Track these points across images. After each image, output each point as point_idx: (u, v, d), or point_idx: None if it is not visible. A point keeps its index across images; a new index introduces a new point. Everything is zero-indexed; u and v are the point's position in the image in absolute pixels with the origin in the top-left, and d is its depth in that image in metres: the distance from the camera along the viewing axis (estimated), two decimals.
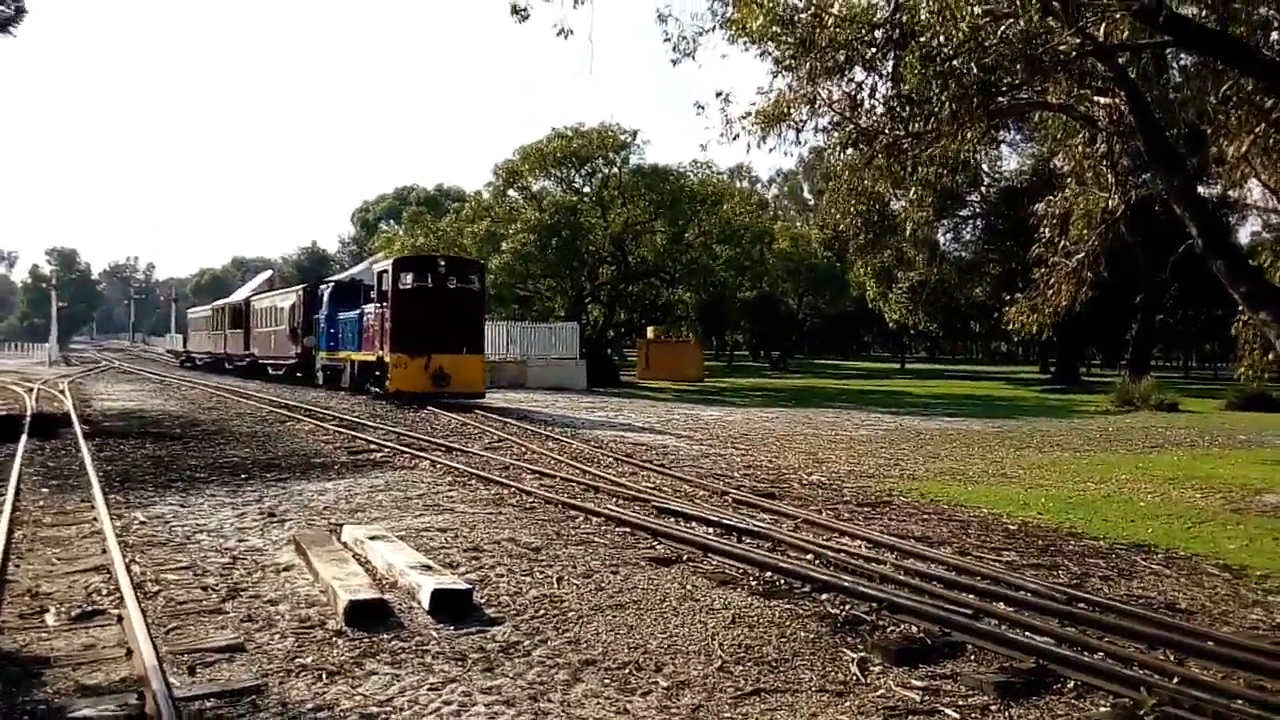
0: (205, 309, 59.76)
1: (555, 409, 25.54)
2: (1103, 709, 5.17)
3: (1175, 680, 5.32)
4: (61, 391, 29.68)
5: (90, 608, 6.69)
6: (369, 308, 27.05)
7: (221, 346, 48.97)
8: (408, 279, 25.91)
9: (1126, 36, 12.00)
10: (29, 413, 21.27)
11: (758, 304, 64.26)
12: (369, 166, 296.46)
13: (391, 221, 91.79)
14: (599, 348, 45.54)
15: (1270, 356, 13.93)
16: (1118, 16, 11.42)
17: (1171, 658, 5.84)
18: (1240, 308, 13.00)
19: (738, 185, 66.75)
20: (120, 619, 6.35)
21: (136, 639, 5.72)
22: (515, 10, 13.47)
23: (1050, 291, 14.91)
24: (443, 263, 27.36)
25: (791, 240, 62.57)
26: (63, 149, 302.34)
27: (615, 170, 44.03)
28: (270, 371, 39.31)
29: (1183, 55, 13.80)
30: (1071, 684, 5.46)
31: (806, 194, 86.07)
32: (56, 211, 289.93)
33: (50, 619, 6.47)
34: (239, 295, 56.05)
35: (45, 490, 11.54)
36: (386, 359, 25.22)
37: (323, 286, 34.54)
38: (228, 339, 47.46)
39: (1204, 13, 11.46)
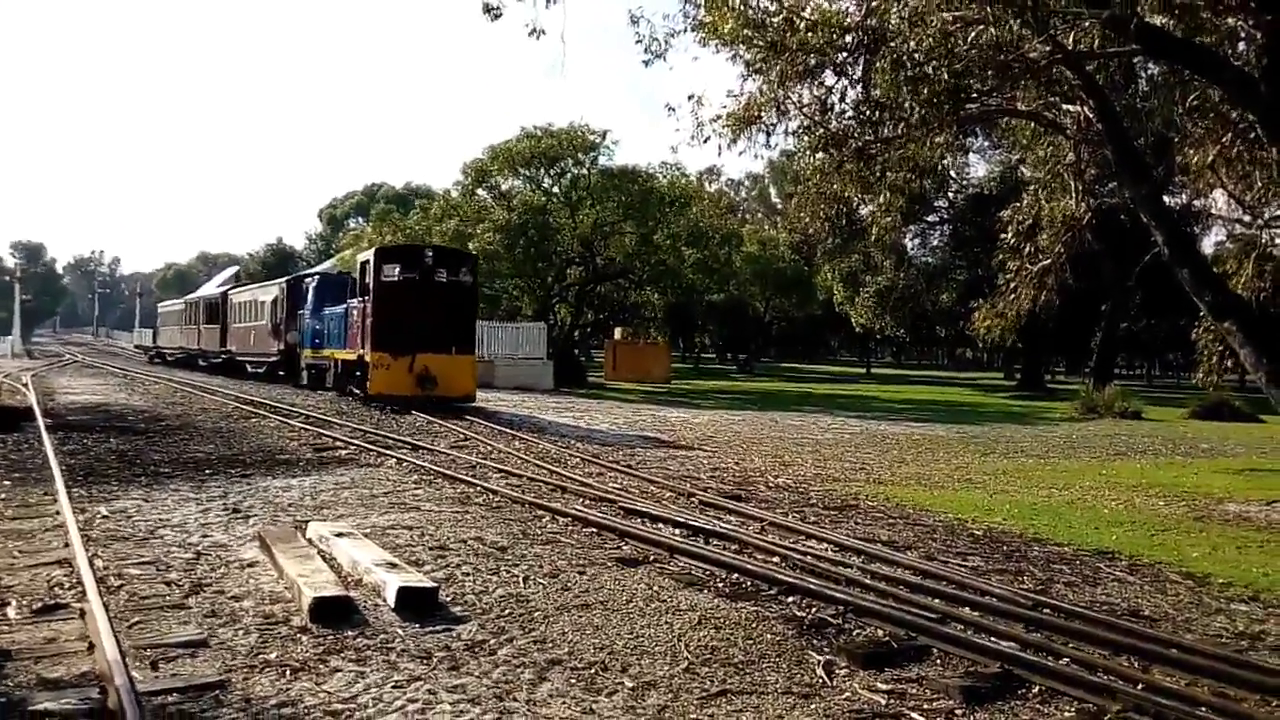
0: (177, 303, 57.89)
1: (522, 409, 25.38)
2: (1068, 714, 5.21)
3: (1140, 687, 5.35)
4: (24, 385, 29.20)
5: (52, 601, 6.60)
6: (354, 302, 25.01)
7: (195, 342, 47.24)
8: (392, 271, 23.55)
9: (1096, 45, 12.15)
10: None
11: (725, 307, 64.40)
12: (337, 163, 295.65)
13: (359, 219, 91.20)
14: (567, 348, 45.45)
15: (1230, 364, 14.16)
16: (1087, 25, 11.55)
17: (1136, 664, 5.88)
18: (1202, 315, 13.20)
19: (707, 188, 66.80)
20: (83, 613, 6.26)
21: (99, 633, 5.65)
22: (488, 9, 13.47)
23: (1012, 296, 15.08)
24: (430, 253, 24.87)
25: (760, 244, 62.73)
26: (29, 142, 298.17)
27: (584, 171, 43.91)
28: (249, 370, 37.53)
29: (1150, 65, 14.00)
30: (1037, 689, 5.50)
31: (774, 198, 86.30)
32: (22, 204, 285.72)
33: (11, 612, 6.37)
34: (205, 290, 55.26)
35: (8, 483, 11.37)
36: (367, 358, 23.28)
37: (307, 280, 32.59)
38: (202, 334, 45.79)
39: (1172, 22, 11.62)
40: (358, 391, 24.29)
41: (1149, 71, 14.77)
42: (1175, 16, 11.53)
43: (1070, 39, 11.92)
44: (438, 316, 22.94)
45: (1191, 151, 13.37)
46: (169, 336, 55.95)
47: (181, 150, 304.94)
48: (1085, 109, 12.73)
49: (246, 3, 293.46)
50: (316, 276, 33.27)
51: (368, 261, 24.25)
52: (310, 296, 29.95)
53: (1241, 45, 12.28)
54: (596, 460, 15.25)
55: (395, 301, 22.92)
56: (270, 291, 36.59)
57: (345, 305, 25.96)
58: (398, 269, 23.56)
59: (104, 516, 9.56)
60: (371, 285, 23.34)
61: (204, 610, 6.53)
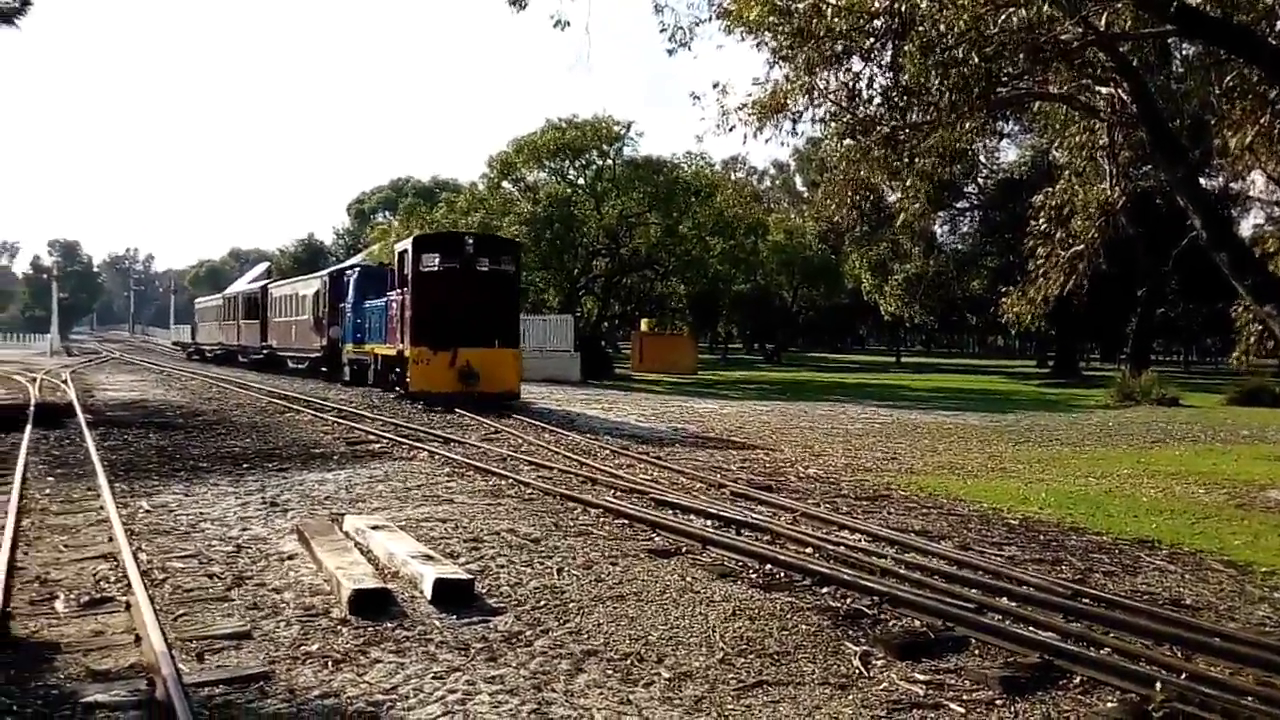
0: (215, 298, 57.32)
1: (550, 401, 25.42)
2: (1110, 704, 5.16)
3: (1183, 676, 5.29)
4: (64, 382, 29.66)
5: (99, 595, 6.70)
6: (392, 295, 23.93)
7: (235, 338, 46.51)
8: (431, 261, 22.48)
9: (1130, 26, 11.98)
10: (33, 402, 21.22)
11: (752, 296, 64.24)
12: (365, 158, 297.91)
13: (387, 213, 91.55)
14: (593, 340, 45.49)
15: (1270, 346, 13.94)
16: (1119, 6, 11.40)
17: (1179, 654, 5.81)
18: (1241, 297, 13.00)
19: (732, 177, 66.56)
20: (128, 606, 6.36)
21: (145, 625, 5.73)
22: (513, 0, 13.49)
23: (1041, 280, 14.93)
24: (471, 241, 23.77)
25: (786, 232, 62.49)
26: (65, 141, 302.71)
27: (609, 162, 43.94)
28: (291, 365, 36.86)
29: (1185, 45, 13.79)
30: (1078, 679, 5.45)
31: (800, 185, 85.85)
32: (58, 203, 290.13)
33: (59, 606, 6.48)
34: (237, 287, 55.40)
35: (51, 479, 11.55)
36: (406, 353, 22.28)
37: (349, 272, 31.58)
38: (241, 329, 45.11)
39: (1207, 3, 11.45)
40: (399, 389, 23.51)
41: (1184, 52, 14.55)
42: None
43: (1103, 20, 11.77)
44: (479, 308, 21.85)
45: (1229, 133, 13.16)
46: (207, 332, 55.37)
47: (213, 148, 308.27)
48: (1119, 91, 12.56)
49: (277, 1, 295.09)
50: (358, 269, 32.20)
51: (406, 251, 23.13)
52: (351, 289, 29.04)
53: None
54: (625, 452, 15.27)
55: (434, 292, 21.92)
56: (312, 285, 35.60)
57: (385, 298, 24.87)
58: (437, 258, 22.61)
59: (146, 511, 9.70)
60: (410, 276, 22.30)
61: (246, 602, 6.61)
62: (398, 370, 23.35)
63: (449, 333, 21.53)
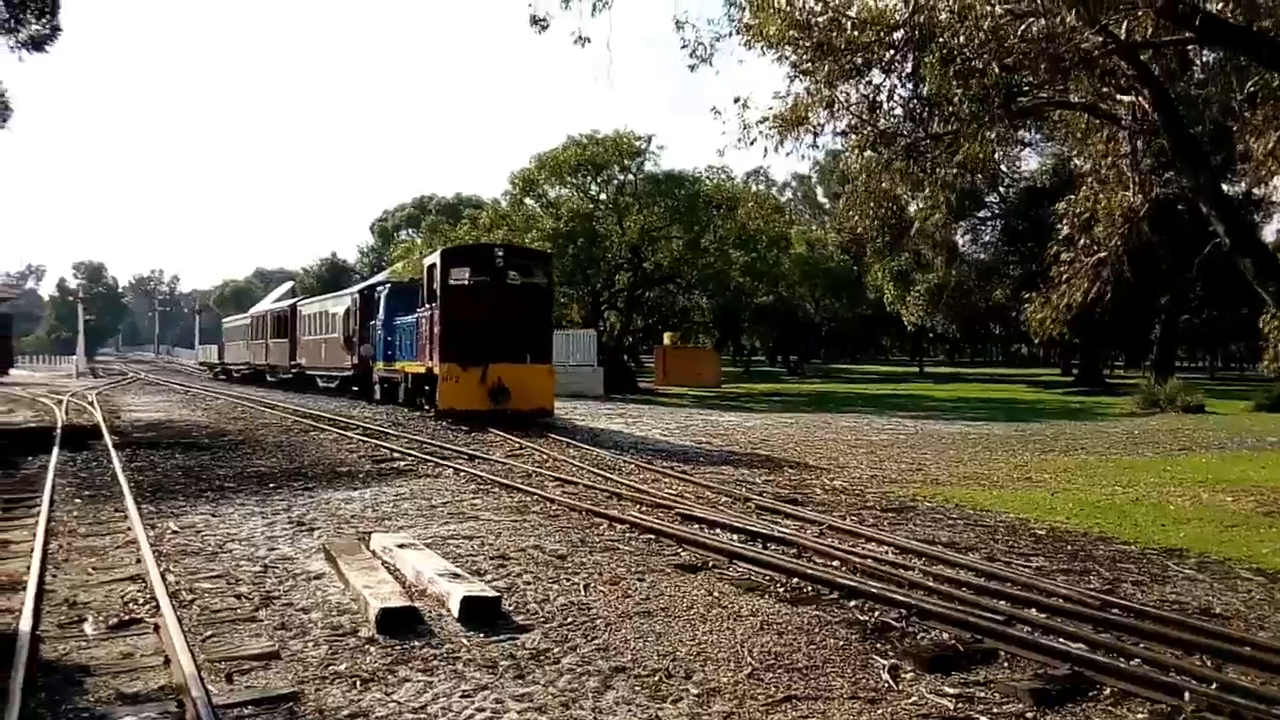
0: (243, 317, 57.06)
1: (575, 416, 25.47)
2: (1140, 715, 5.13)
3: (1214, 686, 5.25)
4: (90, 403, 29.92)
5: (127, 617, 6.74)
6: (422, 311, 23.31)
7: (263, 357, 46.24)
8: (460, 274, 21.83)
9: (1150, 34, 11.95)
10: (60, 424, 21.45)
11: (774, 309, 64.16)
12: (388, 176, 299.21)
13: (410, 231, 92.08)
14: (616, 354, 45.59)
15: None
16: (1140, 14, 11.38)
17: (1209, 663, 5.76)
18: (1267, 305, 12.92)
19: (753, 189, 66.62)
20: (157, 628, 6.40)
21: (174, 647, 5.76)
22: (535, 20, 13.63)
23: (1065, 288, 14.88)
24: (501, 253, 23.02)
25: (808, 244, 62.47)
26: (90, 164, 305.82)
27: (631, 177, 44.11)
28: (321, 384, 36.30)
29: (1205, 52, 13.73)
30: (1108, 690, 5.41)
31: (821, 197, 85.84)
32: (83, 226, 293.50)
33: (89, 628, 6.52)
34: (263, 305, 55.64)
35: (79, 501, 11.64)
36: (435, 370, 21.65)
37: (379, 289, 31.04)
38: (270, 349, 44.82)
39: (1228, 8, 11.41)
40: (428, 407, 22.93)
41: (1204, 59, 14.49)
42: (1232, 2, 11.32)
43: (1123, 29, 11.74)
44: (511, 322, 21.16)
45: (1251, 139, 13.10)
46: (235, 352, 55.19)
47: (237, 168, 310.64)
48: (1140, 99, 12.54)
49: (300, 21, 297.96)
50: (388, 285, 31.75)
51: (434, 265, 22.40)
52: (381, 306, 28.44)
53: None
54: (650, 466, 15.27)
55: (464, 307, 21.25)
56: (342, 302, 35.02)
57: (415, 314, 24.25)
58: (466, 272, 22.00)
59: (173, 532, 9.77)
60: (439, 291, 21.60)
61: (274, 623, 6.64)
62: (427, 388, 22.82)
63: (479, 349, 20.86)
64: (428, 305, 22.50)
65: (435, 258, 22.85)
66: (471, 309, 21.21)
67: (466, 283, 21.85)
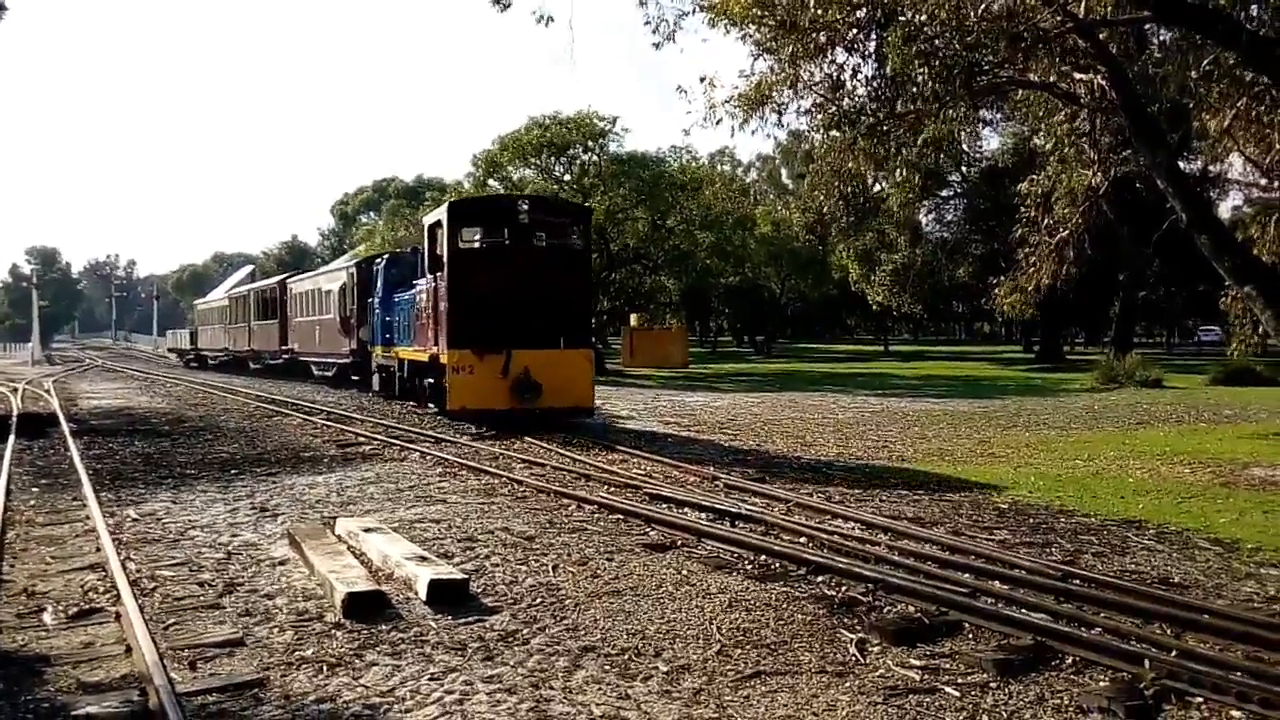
0: (220, 298, 51.86)
1: None
2: (1102, 683, 5.20)
3: (1173, 654, 5.34)
4: (47, 391, 29.51)
5: (87, 606, 6.66)
6: (421, 283, 19.19)
7: (245, 342, 41.89)
8: (472, 236, 18.11)
9: (1108, 13, 12.04)
10: (15, 412, 21.10)
11: (741, 289, 64.35)
12: (348, 158, 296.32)
13: (371, 214, 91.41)
14: None
15: (1260, 331, 14.06)
16: None
17: (1168, 632, 5.86)
18: (1228, 285, 13.11)
19: (719, 170, 66.64)
20: (118, 616, 6.32)
21: (136, 636, 5.70)
22: (496, 0, 13.48)
23: (1032, 269, 15.03)
24: (525, 207, 18.12)
25: (773, 225, 62.61)
26: (42, 146, 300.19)
27: (595, 158, 43.94)
28: (315, 372, 32.37)
29: (1162, 30, 13.87)
30: (1070, 660, 5.49)
31: (785, 178, 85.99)
32: (36, 210, 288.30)
33: (48, 618, 6.44)
34: (238, 286, 53.01)
35: (36, 490, 11.48)
36: (441, 358, 17.47)
37: (378, 261, 26.51)
38: (254, 332, 40.44)
39: None
40: (432, 404, 19.14)
41: (1161, 37, 14.64)
42: None
43: (1081, 7, 11.82)
44: (539, 296, 16.96)
45: (1207, 116, 13.27)
46: (210, 337, 50.71)
47: (193, 151, 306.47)
48: (1098, 78, 12.63)
49: (254, 1, 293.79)
50: (386, 255, 27.69)
51: (439, 224, 17.73)
52: (379, 281, 24.14)
53: (1255, 9, 12.14)
54: (618, 446, 15.27)
55: (479, 278, 17.13)
56: (337, 278, 30.61)
57: (414, 289, 20.24)
58: (479, 233, 18.37)
59: (134, 520, 9.65)
60: (444, 258, 17.35)
61: (238, 609, 6.58)
62: (430, 381, 18.81)
63: (499, 331, 16.73)
64: (431, 276, 18.14)
65: (441, 214, 17.89)
66: (488, 280, 17.04)
67: (481, 245, 18.28)
